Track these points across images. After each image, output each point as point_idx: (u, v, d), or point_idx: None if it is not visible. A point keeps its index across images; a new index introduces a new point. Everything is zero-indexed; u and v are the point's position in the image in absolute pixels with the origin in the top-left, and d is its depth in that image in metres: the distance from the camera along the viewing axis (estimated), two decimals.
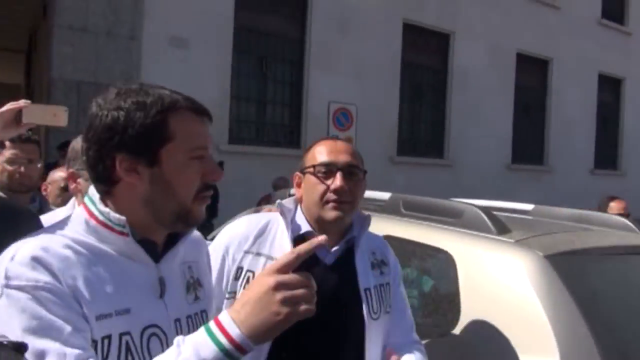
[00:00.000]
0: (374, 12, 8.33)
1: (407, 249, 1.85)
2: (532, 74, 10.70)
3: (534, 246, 1.51)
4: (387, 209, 2.12)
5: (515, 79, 10.29)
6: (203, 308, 1.11)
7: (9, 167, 2.20)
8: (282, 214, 1.41)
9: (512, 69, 10.22)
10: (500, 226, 1.66)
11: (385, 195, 2.18)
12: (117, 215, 0.94)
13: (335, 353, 1.36)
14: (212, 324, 0.80)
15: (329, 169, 1.37)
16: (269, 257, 1.38)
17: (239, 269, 1.39)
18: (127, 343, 0.91)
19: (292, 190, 1.53)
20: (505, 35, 9.93)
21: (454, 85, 9.45)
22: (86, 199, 0.98)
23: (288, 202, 1.46)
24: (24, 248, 0.87)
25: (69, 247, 0.91)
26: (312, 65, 7.90)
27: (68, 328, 0.81)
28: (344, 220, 1.38)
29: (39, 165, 2.33)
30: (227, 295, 1.39)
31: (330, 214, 1.36)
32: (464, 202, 1.91)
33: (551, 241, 1.55)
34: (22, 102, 1.53)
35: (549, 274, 1.40)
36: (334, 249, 1.41)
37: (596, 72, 11.61)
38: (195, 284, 1.11)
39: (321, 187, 1.37)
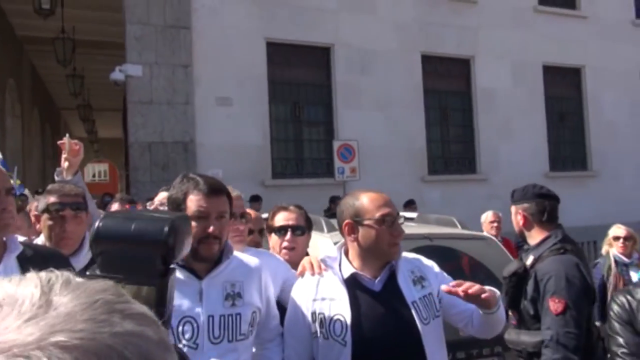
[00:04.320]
0: (392, 52, 9.44)
1: None
2: (563, 84, 11.08)
3: (333, 237, 2.64)
4: None
5: (545, 91, 10.75)
6: (238, 312, 1.65)
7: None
8: (328, 265, 1.85)
9: (539, 82, 10.71)
10: (329, 227, 2.79)
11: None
12: None
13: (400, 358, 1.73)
14: None
15: (388, 220, 1.77)
16: (331, 299, 1.78)
17: (313, 314, 1.79)
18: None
19: None
20: (528, 51, 10.49)
21: (479, 105, 10.18)
22: None
23: (330, 254, 1.89)
24: None
25: None
26: (340, 105, 9.14)
27: None
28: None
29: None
30: (313, 335, 1.79)
31: (394, 254, 1.80)
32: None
33: None
34: None
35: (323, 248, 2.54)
36: (378, 278, 1.79)
37: (637, 74, 11.64)
38: (235, 296, 1.66)
39: (385, 235, 1.76)
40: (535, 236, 2.35)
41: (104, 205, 6.70)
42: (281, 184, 8.63)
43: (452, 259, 2.74)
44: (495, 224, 5.45)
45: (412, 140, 9.54)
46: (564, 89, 11.14)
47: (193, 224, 1.55)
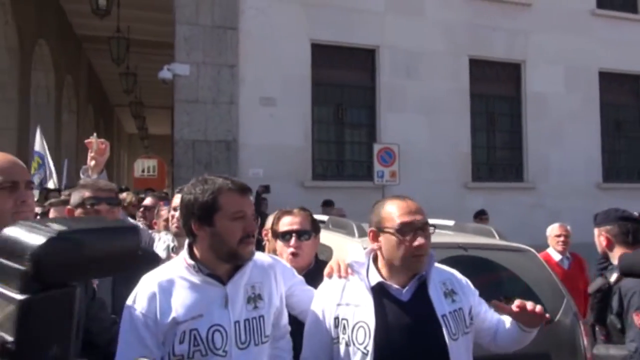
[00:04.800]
0: (438, 55, 9.25)
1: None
2: (621, 91, 10.55)
3: (364, 242, 2.59)
4: (325, 225, 3.25)
5: (600, 98, 10.27)
6: (261, 314, 1.63)
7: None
8: (355, 270, 1.79)
9: (595, 88, 10.24)
10: (360, 231, 2.74)
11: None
12: (191, 262, 1.58)
13: None
14: None
15: (409, 229, 1.68)
16: (356, 305, 1.73)
17: (336, 318, 1.75)
18: (194, 335, 1.52)
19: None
20: (584, 56, 10.06)
21: (528, 111, 9.84)
22: (184, 251, 1.63)
23: (358, 259, 1.83)
24: (141, 283, 1.54)
25: (171, 281, 1.55)
26: (383, 108, 9.04)
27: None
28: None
29: None
30: (334, 341, 1.74)
31: (416, 265, 1.71)
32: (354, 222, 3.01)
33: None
34: None
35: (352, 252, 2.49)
36: (406, 288, 1.72)
37: None
38: (255, 298, 1.63)
39: (404, 245, 1.68)
40: (618, 256, 2.50)
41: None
42: (321, 186, 8.61)
43: (486, 271, 2.64)
44: (562, 238, 4.68)
45: (456, 145, 9.32)
46: (621, 96, 10.61)
47: (232, 224, 1.54)
